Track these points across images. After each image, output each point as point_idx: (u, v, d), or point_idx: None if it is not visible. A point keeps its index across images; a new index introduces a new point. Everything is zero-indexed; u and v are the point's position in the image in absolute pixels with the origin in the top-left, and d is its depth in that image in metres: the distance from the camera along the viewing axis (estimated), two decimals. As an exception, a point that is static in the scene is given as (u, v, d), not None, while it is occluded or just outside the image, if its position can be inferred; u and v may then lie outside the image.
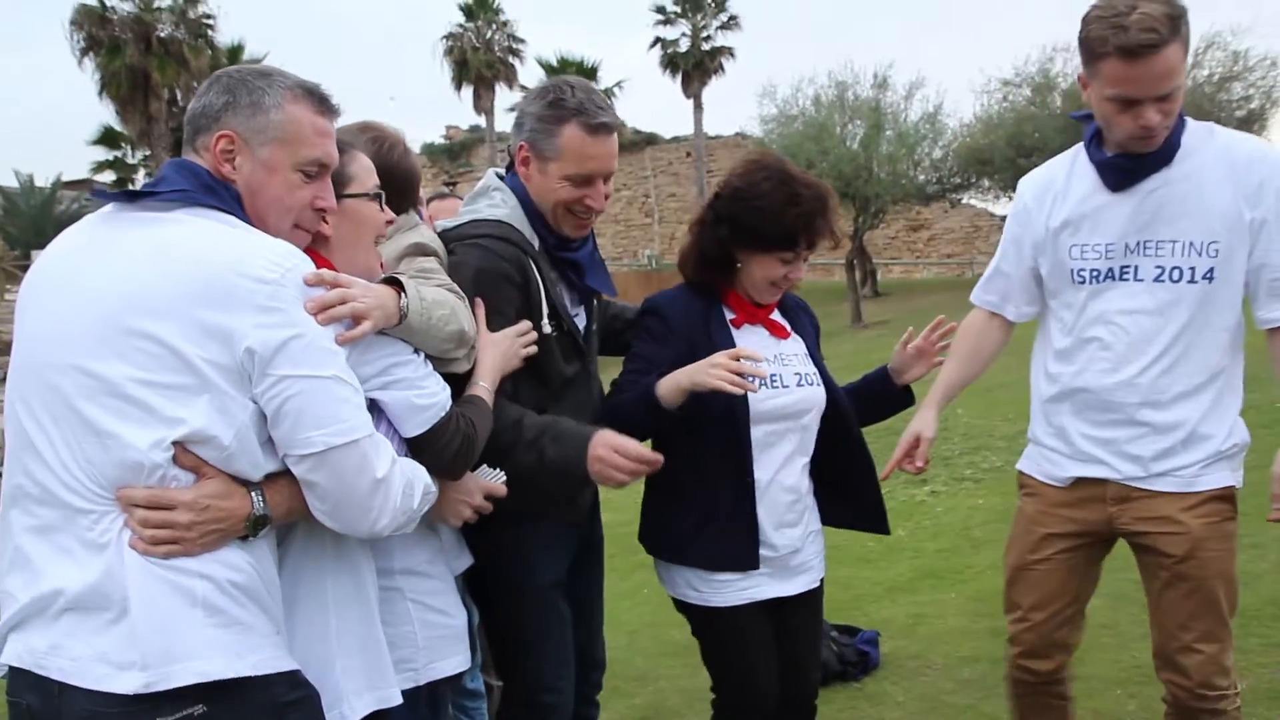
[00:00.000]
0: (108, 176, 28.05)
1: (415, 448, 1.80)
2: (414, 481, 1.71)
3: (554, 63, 30.69)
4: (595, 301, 2.50)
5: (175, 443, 1.52)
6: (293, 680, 1.61)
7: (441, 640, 1.96)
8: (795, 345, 2.54)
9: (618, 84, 31.27)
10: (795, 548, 2.48)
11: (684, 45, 31.75)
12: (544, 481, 2.17)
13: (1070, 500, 2.43)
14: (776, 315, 2.55)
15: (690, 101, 31.99)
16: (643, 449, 2.19)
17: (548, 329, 2.23)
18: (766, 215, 2.35)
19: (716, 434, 2.37)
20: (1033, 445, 2.54)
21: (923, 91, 22.58)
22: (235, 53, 26.77)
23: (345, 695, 1.73)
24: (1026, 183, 2.51)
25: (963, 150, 20.77)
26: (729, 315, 2.47)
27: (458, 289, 2.02)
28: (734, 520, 2.40)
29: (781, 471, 2.44)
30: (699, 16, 31.65)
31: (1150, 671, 3.51)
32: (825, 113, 20.27)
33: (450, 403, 1.84)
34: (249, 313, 1.51)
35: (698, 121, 32.17)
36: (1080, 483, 2.41)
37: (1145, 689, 3.38)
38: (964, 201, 25.90)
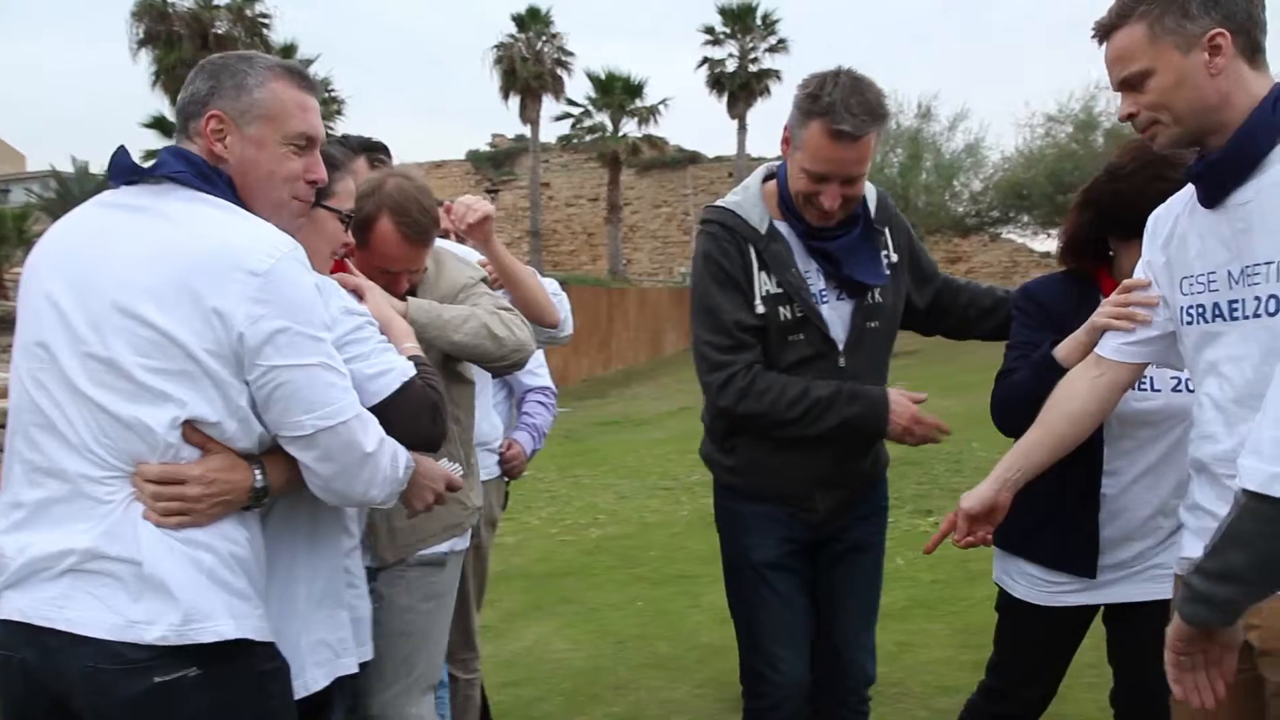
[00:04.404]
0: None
1: (386, 421, 1.77)
2: (399, 453, 1.78)
3: (602, 76, 30.96)
4: (938, 289, 2.59)
5: (184, 422, 1.60)
6: (271, 651, 1.70)
7: (358, 628, 1.98)
8: None
9: (662, 101, 31.42)
10: (1143, 561, 2.30)
11: (731, 66, 31.76)
12: (848, 439, 2.37)
13: None
14: None
15: (735, 122, 32.06)
16: (936, 417, 2.25)
17: (760, 310, 2.35)
18: (1126, 200, 2.15)
19: None
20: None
21: (965, 124, 22.52)
22: (288, 51, 27.18)
23: (307, 667, 1.82)
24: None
25: (1002, 184, 20.66)
26: None
27: (490, 308, 2.39)
28: (1073, 525, 2.28)
29: (1142, 482, 2.26)
30: (748, 38, 31.68)
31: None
32: (866, 140, 20.26)
33: (411, 373, 1.84)
34: (241, 303, 1.58)
35: (741, 143, 32.16)
36: None
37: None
38: (1003, 235, 25.71)
